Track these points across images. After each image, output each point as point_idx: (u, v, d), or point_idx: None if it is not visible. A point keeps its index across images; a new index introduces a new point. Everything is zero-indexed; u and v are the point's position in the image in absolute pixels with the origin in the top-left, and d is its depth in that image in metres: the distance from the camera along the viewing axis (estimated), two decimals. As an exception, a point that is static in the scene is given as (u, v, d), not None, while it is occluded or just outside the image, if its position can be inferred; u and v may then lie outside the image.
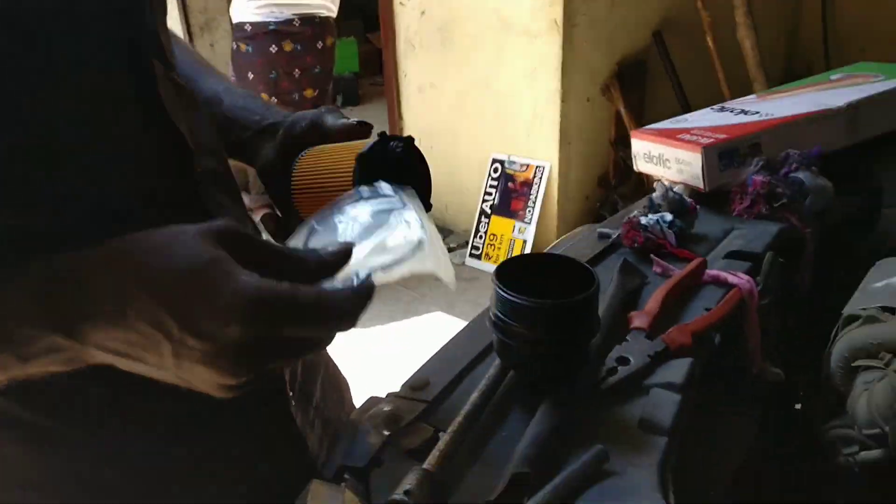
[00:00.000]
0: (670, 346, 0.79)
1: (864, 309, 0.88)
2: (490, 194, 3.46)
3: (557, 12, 3.00)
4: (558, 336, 0.69)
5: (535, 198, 3.31)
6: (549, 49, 3.09)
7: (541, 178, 3.29)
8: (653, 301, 0.86)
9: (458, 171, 3.63)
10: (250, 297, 0.43)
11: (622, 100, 3.28)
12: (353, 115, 0.81)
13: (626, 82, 3.34)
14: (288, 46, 2.98)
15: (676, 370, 0.77)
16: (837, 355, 0.88)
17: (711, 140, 1.11)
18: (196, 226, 0.47)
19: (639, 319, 0.83)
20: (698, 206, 1.06)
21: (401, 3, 3.56)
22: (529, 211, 3.32)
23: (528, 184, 3.33)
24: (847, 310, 0.92)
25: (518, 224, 3.36)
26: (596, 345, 0.79)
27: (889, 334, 0.81)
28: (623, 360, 0.77)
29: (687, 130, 1.20)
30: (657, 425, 0.70)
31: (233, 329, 0.43)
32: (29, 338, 0.45)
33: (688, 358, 0.78)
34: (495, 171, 3.44)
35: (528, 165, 3.32)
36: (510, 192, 3.40)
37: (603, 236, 1.06)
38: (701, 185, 1.12)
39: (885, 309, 0.88)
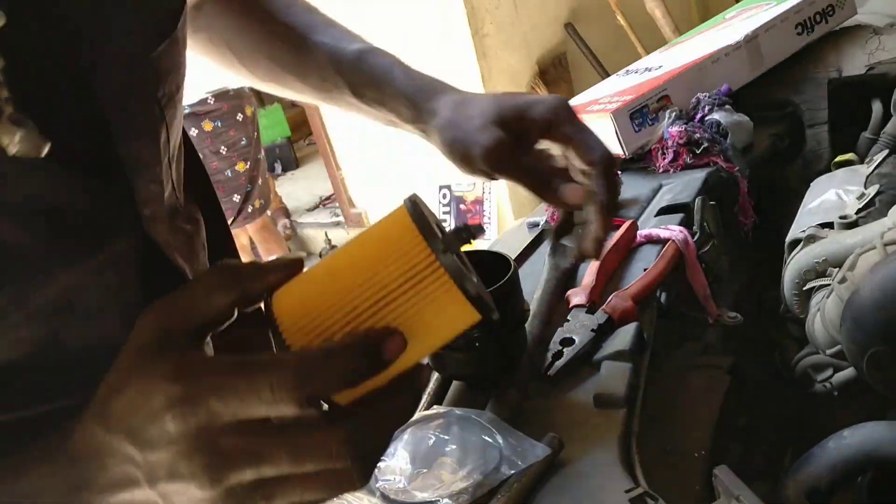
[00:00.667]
0: (612, 315, 0.75)
1: (803, 231, 0.85)
2: (445, 221, 3.43)
3: (463, 26, 3.01)
4: (476, 334, 0.65)
5: (490, 213, 3.29)
6: (465, 65, 3.09)
7: (489, 192, 3.27)
8: (588, 275, 0.82)
9: (409, 205, 3.61)
10: (170, 379, 0.36)
11: (550, 97, 3.28)
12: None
13: (551, 78, 3.34)
14: (208, 126, 2.95)
15: (623, 338, 0.73)
16: (789, 283, 0.84)
17: (619, 103, 1.09)
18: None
19: (577, 297, 0.79)
20: (620, 173, 1.03)
21: (312, 56, 3.55)
22: (487, 227, 3.29)
23: (479, 202, 3.31)
24: (790, 236, 0.89)
25: (478, 243, 3.32)
26: (534, 332, 0.75)
27: (830, 249, 0.78)
28: (567, 341, 0.74)
29: (595, 101, 1.17)
30: (612, 399, 0.66)
31: (169, 424, 0.36)
32: None
33: (633, 323, 0.74)
34: (444, 196, 3.42)
35: (474, 184, 3.30)
36: (464, 213, 3.37)
37: (532, 225, 1.03)
38: (620, 152, 1.10)
39: (823, 226, 0.85)
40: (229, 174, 3.05)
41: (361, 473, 0.36)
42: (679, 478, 0.69)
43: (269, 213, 3.47)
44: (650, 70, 1.22)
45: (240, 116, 3.03)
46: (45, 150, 0.41)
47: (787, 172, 1.17)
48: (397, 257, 0.37)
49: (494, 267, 0.69)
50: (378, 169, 3.69)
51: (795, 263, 0.83)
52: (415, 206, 0.39)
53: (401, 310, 0.36)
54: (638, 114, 1.09)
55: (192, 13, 0.70)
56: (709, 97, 1.09)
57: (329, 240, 4.30)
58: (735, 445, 0.84)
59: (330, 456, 0.36)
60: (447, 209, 3.42)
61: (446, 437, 0.59)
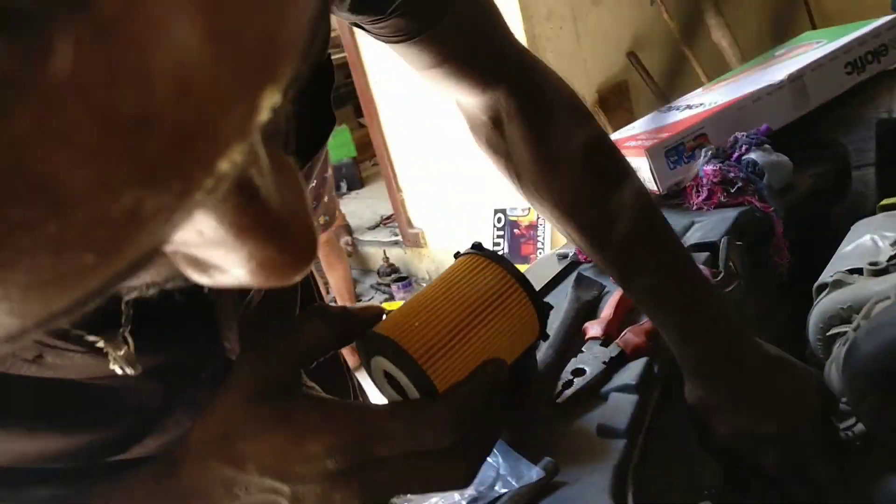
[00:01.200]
0: (625, 349, 0.76)
1: (831, 276, 0.84)
2: (498, 244, 3.45)
3: (525, 55, 3.04)
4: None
5: (543, 238, 3.29)
6: (526, 92, 3.11)
7: (544, 219, 3.28)
8: (607, 308, 0.84)
9: (464, 229, 3.64)
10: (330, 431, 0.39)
11: (609, 125, 3.28)
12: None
13: (611, 106, 3.34)
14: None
15: (633, 372, 0.74)
16: (814, 328, 0.84)
17: (655, 141, 1.10)
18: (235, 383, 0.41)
19: (593, 329, 0.81)
20: (653, 207, 1.04)
21: (375, 80, 3.63)
22: (540, 252, 3.29)
23: (533, 227, 3.32)
24: (818, 280, 0.88)
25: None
26: (547, 361, 0.77)
27: (855, 295, 0.77)
28: (579, 372, 0.75)
29: (633, 137, 1.19)
30: (614, 429, 0.67)
31: (330, 462, 0.39)
32: None
33: (644, 358, 0.75)
34: (499, 220, 3.44)
35: (528, 209, 3.32)
36: (517, 238, 3.38)
37: (562, 257, 1.04)
38: (655, 188, 1.11)
39: (853, 271, 0.84)
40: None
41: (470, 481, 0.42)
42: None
43: (332, 229, 3.56)
44: (691, 108, 1.22)
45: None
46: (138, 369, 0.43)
47: (831, 214, 1.15)
48: (481, 285, 0.44)
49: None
50: (436, 191, 3.74)
51: (820, 308, 0.83)
52: (484, 249, 0.46)
53: (489, 326, 0.42)
54: (673, 151, 1.10)
55: (493, 132, 0.67)
56: (747, 136, 1.09)
57: (387, 258, 4.37)
58: (756, 482, 0.84)
59: (455, 482, 0.41)
60: (501, 233, 3.44)
61: None
